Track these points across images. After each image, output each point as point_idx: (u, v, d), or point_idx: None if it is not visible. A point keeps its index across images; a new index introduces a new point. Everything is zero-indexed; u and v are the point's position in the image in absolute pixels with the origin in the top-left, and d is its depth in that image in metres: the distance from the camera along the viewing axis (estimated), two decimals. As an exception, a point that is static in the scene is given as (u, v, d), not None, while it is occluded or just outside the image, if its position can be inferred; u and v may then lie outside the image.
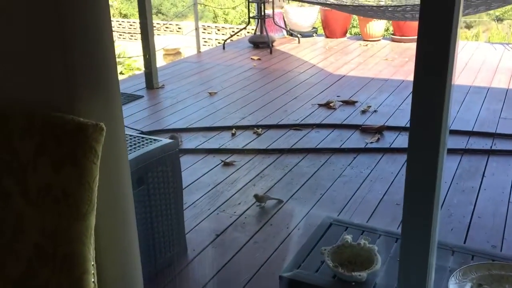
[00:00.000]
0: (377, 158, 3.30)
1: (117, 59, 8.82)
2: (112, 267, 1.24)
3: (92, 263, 1.11)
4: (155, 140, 2.09)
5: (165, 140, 2.11)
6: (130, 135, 2.13)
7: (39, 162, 1.05)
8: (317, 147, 3.47)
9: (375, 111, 4.17)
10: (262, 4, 6.56)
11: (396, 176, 3.04)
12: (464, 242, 2.37)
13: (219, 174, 3.11)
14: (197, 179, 3.05)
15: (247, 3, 6.65)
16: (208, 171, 3.15)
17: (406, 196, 1.14)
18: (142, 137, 2.11)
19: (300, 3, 7.04)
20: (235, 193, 2.86)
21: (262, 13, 6.61)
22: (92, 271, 1.11)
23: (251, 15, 6.93)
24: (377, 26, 6.77)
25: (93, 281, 1.11)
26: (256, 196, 2.71)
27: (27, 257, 1.06)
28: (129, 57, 8.35)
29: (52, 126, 1.04)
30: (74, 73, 1.07)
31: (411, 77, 1.13)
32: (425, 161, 1.09)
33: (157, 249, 2.12)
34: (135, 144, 2.02)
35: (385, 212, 2.64)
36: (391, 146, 3.47)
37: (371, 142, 3.53)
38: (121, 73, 8.63)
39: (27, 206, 1.06)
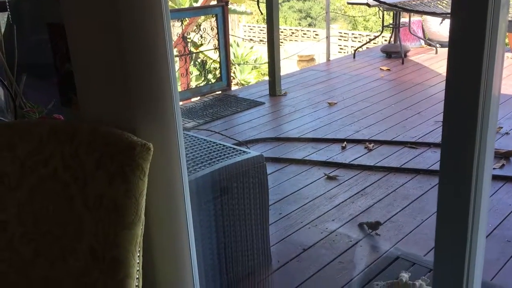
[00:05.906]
0: (497, 187, 2.99)
1: (254, 64, 9.22)
2: (165, 273, 1.34)
3: (137, 269, 1.21)
4: (243, 152, 2.17)
5: (253, 153, 2.17)
6: (224, 145, 2.24)
7: (98, 174, 1.18)
8: (430, 168, 3.26)
9: (507, 133, 3.78)
10: (398, 13, 6.32)
11: (515, 209, 2.74)
12: None
13: (320, 187, 3.10)
14: (297, 191, 3.07)
15: (381, 12, 6.47)
16: (310, 183, 3.15)
17: None
18: (234, 148, 2.21)
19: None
20: (331, 209, 2.83)
21: (397, 22, 6.38)
22: (137, 276, 1.21)
23: (387, 23, 6.72)
24: (529, 37, 6.10)
25: (137, 285, 1.21)
26: (369, 224, 2.60)
27: (84, 256, 1.20)
28: (264, 63, 8.63)
29: (109, 143, 1.17)
30: (135, 96, 1.19)
31: None
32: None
33: (239, 256, 2.20)
34: (224, 154, 2.13)
35: (490, 250, 2.40)
36: (517, 175, 3.13)
37: (494, 168, 3.22)
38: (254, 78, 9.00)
39: (86, 211, 1.19)
